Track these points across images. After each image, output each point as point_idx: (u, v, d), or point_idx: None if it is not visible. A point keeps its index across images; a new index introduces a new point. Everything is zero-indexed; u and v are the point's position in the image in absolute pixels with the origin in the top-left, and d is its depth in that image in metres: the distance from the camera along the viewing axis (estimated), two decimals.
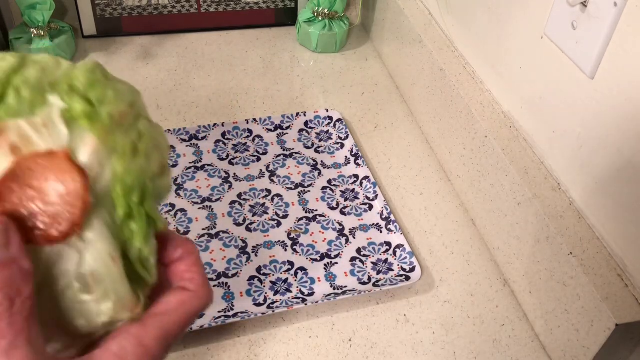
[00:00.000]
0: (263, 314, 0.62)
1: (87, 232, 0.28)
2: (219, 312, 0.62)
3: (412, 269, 0.67)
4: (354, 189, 0.77)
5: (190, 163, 0.79)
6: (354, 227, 0.72)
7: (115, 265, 0.28)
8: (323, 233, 0.71)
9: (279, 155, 0.81)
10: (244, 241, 0.70)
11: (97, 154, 0.28)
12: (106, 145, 0.28)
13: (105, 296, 0.28)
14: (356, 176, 0.78)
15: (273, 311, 0.62)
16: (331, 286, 0.66)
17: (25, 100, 0.28)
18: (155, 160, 0.31)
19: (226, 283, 0.65)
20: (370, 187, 0.76)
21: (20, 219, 0.26)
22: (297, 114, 0.86)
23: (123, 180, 0.29)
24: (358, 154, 0.80)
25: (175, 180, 0.77)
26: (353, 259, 0.69)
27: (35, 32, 0.91)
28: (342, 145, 0.83)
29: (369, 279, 0.67)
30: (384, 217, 0.73)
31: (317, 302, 0.63)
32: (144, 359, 0.28)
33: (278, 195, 0.75)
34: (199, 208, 0.73)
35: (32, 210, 0.26)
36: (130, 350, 0.28)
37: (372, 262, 0.68)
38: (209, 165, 0.79)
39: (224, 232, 0.71)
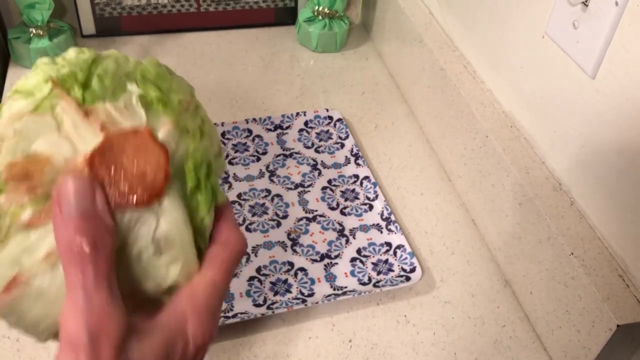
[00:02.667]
0: (263, 314, 0.61)
1: (165, 200, 0.31)
2: None
3: (413, 270, 0.66)
4: (354, 189, 0.77)
5: None
6: (354, 228, 0.72)
7: (187, 231, 0.31)
8: (323, 233, 0.71)
9: (278, 155, 0.81)
10: None
11: (172, 133, 0.32)
12: (178, 127, 0.32)
13: (174, 260, 0.31)
14: (356, 176, 0.78)
15: (273, 312, 0.61)
16: (331, 287, 0.66)
17: (108, 86, 0.31)
18: (216, 142, 0.35)
19: None
20: (371, 187, 0.76)
21: (109, 187, 0.30)
22: (297, 113, 0.86)
23: (194, 157, 0.32)
24: (358, 153, 0.80)
25: None
26: (353, 260, 0.69)
27: (34, 31, 0.90)
28: (342, 145, 0.83)
29: (369, 279, 0.66)
30: (384, 217, 0.72)
31: (317, 302, 0.63)
32: (202, 315, 0.32)
33: (278, 195, 0.75)
34: None
35: (121, 179, 0.30)
36: (189, 303, 0.32)
37: (373, 263, 0.68)
38: None
39: None
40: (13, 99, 0.31)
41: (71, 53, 0.33)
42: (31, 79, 0.31)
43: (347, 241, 0.70)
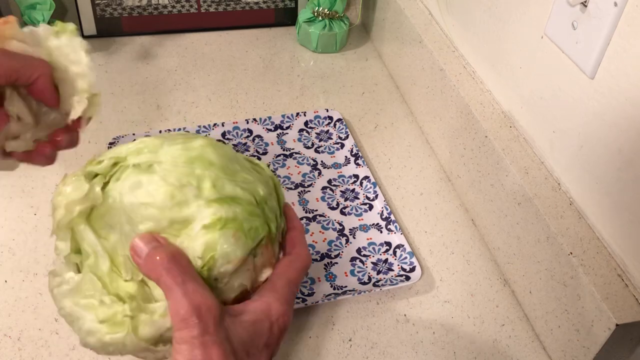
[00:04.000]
0: None
1: None
2: None
3: (412, 269, 0.67)
4: (354, 189, 0.77)
5: None
6: (354, 227, 0.72)
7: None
8: (323, 233, 0.71)
9: (279, 155, 0.81)
10: None
11: None
12: None
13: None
14: (356, 176, 0.78)
15: None
16: (331, 286, 0.66)
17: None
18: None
19: None
20: (370, 187, 0.76)
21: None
22: (297, 113, 0.86)
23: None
24: (358, 154, 0.80)
25: None
26: (353, 259, 0.69)
27: None
28: (342, 145, 0.83)
29: (369, 278, 0.67)
30: (384, 217, 0.73)
31: (317, 302, 0.63)
32: (282, 304, 0.41)
33: None
34: None
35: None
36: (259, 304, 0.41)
37: (372, 262, 0.68)
38: None
39: None
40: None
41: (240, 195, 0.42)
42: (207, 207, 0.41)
43: (347, 241, 0.71)
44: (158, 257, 0.39)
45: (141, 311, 0.40)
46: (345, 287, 0.66)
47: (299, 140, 0.84)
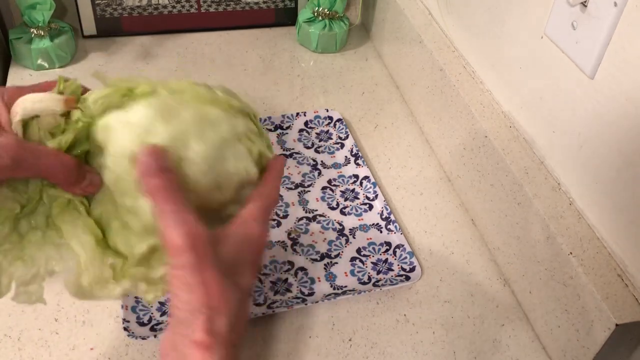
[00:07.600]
0: (263, 314, 0.62)
1: None
2: None
3: (412, 269, 0.67)
4: (354, 189, 0.77)
5: None
6: (354, 227, 0.72)
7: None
8: (323, 233, 0.71)
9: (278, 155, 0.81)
10: None
11: None
12: None
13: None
14: (356, 176, 0.78)
15: (273, 311, 0.62)
16: (331, 286, 0.66)
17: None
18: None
19: None
20: (370, 187, 0.76)
21: None
22: (297, 113, 0.86)
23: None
24: (358, 154, 0.80)
25: None
26: (353, 259, 0.69)
27: (35, 32, 0.91)
28: (342, 145, 0.83)
29: (369, 278, 0.67)
30: (384, 217, 0.73)
31: (317, 302, 0.63)
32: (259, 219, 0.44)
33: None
34: None
35: None
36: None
37: (372, 262, 0.68)
38: None
39: None
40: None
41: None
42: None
43: (347, 241, 0.71)
44: (156, 179, 0.40)
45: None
46: (345, 287, 0.66)
47: (299, 140, 0.84)
